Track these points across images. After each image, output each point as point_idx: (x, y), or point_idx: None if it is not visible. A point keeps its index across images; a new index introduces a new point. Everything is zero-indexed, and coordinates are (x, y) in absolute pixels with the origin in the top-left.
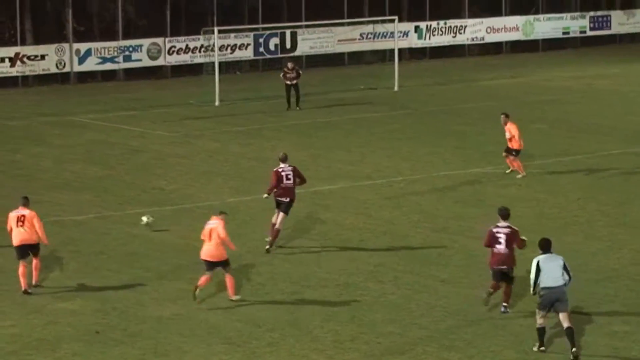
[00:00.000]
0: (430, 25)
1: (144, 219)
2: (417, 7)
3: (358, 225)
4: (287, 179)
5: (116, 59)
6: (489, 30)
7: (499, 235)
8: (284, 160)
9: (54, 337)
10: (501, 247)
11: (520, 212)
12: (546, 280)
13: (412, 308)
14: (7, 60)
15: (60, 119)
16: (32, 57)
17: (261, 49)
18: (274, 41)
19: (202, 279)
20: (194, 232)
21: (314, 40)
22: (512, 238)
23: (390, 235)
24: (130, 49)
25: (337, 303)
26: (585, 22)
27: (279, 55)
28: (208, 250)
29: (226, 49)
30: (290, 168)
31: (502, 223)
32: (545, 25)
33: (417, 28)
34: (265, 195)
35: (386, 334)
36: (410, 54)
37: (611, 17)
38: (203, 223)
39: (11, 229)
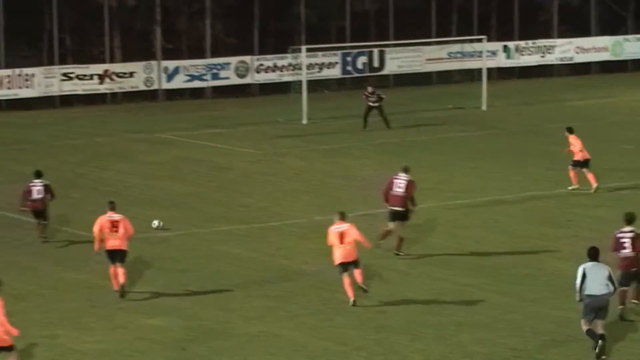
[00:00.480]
0: (519, 45)
1: (155, 223)
2: (505, 27)
3: (445, 245)
4: (398, 187)
5: (204, 77)
6: (577, 50)
7: (623, 240)
8: (404, 170)
9: (141, 353)
10: (626, 251)
11: (610, 233)
12: (591, 288)
13: (500, 328)
14: (95, 77)
15: (148, 136)
16: (120, 74)
17: (349, 68)
18: (361, 60)
19: (347, 283)
20: (281, 250)
21: (402, 59)
22: (637, 241)
23: (478, 255)
24: (218, 66)
25: (424, 322)
26: None
27: (367, 74)
28: (344, 252)
29: (314, 68)
30: (405, 178)
31: (627, 227)
32: (635, 46)
33: (505, 47)
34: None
35: (473, 354)
36: (499, 74)
37: None
38: (290, 241)
39: (100, 232)
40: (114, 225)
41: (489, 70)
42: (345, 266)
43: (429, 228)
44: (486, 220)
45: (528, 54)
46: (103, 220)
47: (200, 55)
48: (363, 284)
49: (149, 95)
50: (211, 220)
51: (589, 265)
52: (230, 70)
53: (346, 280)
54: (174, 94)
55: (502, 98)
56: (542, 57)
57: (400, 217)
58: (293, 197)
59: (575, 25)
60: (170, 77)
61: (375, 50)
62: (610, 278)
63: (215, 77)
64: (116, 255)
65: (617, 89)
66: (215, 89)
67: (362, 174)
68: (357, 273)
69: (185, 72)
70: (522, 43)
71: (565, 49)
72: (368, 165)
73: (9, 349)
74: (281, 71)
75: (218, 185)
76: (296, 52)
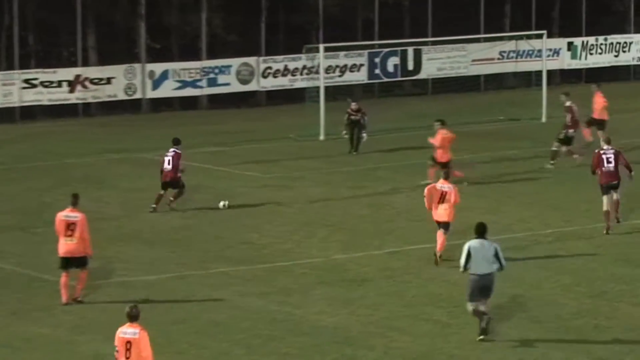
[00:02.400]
0: (587, 42)
1: (222, 203)
2: (570, 20)
3: (495, 290)
4: (608, 162)
5: (199, 83)
6: None
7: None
8: (607, 142)
9: None
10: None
11: None
12: (476, 267)
13: None
14: (65, 84)
15: (130, 155)
16: (95, 81)
17: (377, 71)
18: (393, 61)
19: (440, 240)
20: (291, 297)
21: (442, 59)
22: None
23: (535, 301)
24: (216, 70)
25: None
26: None
27: (400, 79)
28: (441, 213)
29: (334, 71)
30: (612, 151)
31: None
32: None
33: (570, 45)
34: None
35: None
36: (562, 77)
37: None
38: (303, 286)
39: (59, 234)
40: (69, 227)
41: (550, 73)
42: (439, 225)
43: None
44: (546, 259)
45: (598, 52)
46: (60, 219)
47: (194, 56)
48: (440, 256)
49: (131, 106)
50: (207, 260)
51: (474, 243)
52: (230, 74)
53: (439, 233)
54: (161, 104)
55: None
56: (616, 56)
57: (613, 188)
58: (307, 231)
59: None
60: (156, 84)
61: (410, 50)
62: (496, 255)
63: (212, 83)
64: (70, 263)
65: None
66: (213, 97)
67: (393, 202)
68: (441, 242)
69: (175, 78)
70: (591, 39)
71: None
72: (400, 191)
73: None
74: (293, 76)
75: (216, 217)
76: (312, 51)
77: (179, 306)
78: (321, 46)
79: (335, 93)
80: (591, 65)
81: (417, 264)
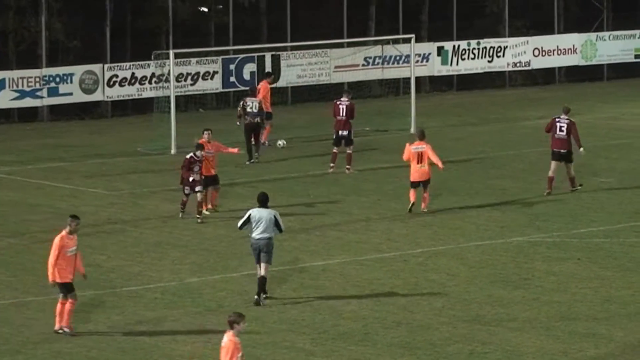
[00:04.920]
0: (459, 46)
1: (280, 143)
2: (440, 23)
3: (362, 314)
4: (560, 130)
5: (38, 93)
6: (536, 52)
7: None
8: (565, 112)
9: None
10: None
11: (580, 295)
12: (255, 232)
13: None
14: None
15: None
16: None
17: (232, 79)
18: (249, 68)
19: (412, 194)
20: (141, 324)
21: (302, 66)
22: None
23: (406, 326)
24: (57, 79)
25: None
26: None
27: (257, 87)
28: (420, 172)
29: (185, 79)
30: (566, 120)
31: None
32: (612, 46)
33: (440, 50)
34: None
35: None
36: (432, 85)
37: None
38: (154, 312)
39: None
40: None
41: (419, 80)
42: (417, 184)
43: (340, 291)
44: (417, 280)
45: (470, 58)
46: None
47: (33, 64)
48: (425, 207)
49: None
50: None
51: (255, 210)
52: (73, 83)
53: (412, 192)
54: None
55: (436, 117)
56: (490, 62)
57: (564, 158)
58: (158, 252)
59: (534, 20)
60: None
61: (268, 55)
62: (276, 222)
63: (53, 92)
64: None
65: (589, 103)
66: (54, 108)
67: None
68: (424, 197)
69: (12, 87)
70: (462, 44)
71: (520, 51)
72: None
73: None
74: (141, 84)
75: None
76: (162, 58)
77: (17, 335)
78: (171, 52)
79: (187, 103)
80: (463, 72)
81: (278, 288)
